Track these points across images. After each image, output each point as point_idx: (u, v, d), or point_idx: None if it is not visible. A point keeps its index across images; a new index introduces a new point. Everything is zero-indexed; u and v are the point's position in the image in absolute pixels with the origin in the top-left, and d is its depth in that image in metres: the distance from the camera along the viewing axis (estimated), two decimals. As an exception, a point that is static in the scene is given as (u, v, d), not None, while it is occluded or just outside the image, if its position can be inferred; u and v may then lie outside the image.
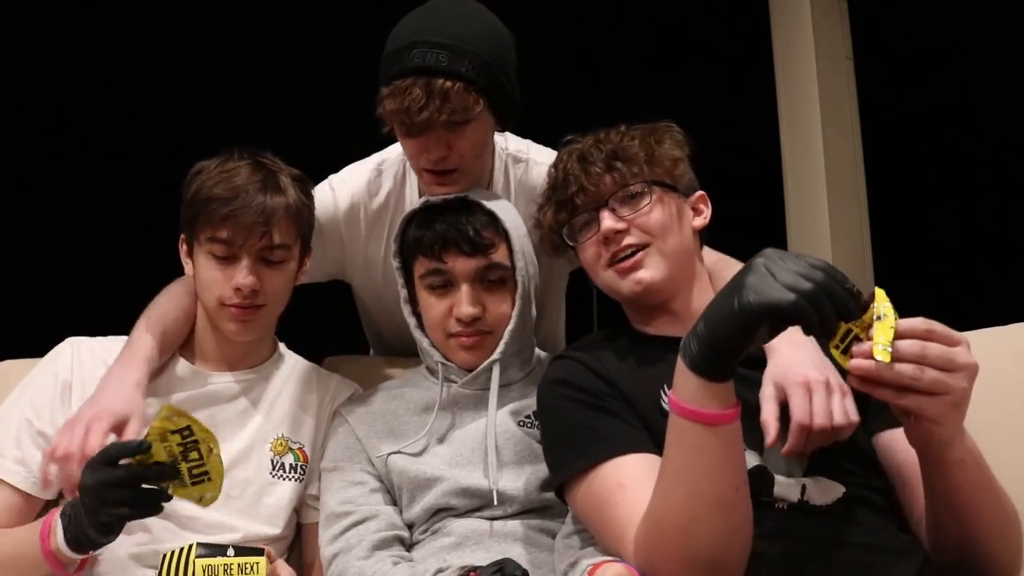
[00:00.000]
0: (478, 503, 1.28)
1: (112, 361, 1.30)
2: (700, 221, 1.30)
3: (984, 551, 0.98)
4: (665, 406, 0.97)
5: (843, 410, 1.04)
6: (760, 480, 1.05)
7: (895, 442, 1.11)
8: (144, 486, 1.04)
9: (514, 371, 1.40)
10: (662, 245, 1.22)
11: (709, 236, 1.35)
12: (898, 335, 0.84)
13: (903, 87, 3.39)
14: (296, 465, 1.39)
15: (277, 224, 1.30)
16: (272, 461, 1.37)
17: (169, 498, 1.06)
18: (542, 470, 1.27)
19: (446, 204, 1.36)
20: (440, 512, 1.30)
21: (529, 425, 1.34)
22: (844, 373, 0.92)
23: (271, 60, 3.31)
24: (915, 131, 3.33)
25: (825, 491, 1.07)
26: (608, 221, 1.22)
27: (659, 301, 1.24)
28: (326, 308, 1.99)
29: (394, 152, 1.54)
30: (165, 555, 1.02)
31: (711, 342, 0.89)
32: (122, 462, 1.04)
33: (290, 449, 1.39)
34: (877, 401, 0.94)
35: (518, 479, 1.29)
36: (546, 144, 1.57)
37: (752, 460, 1.07)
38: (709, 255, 1.35)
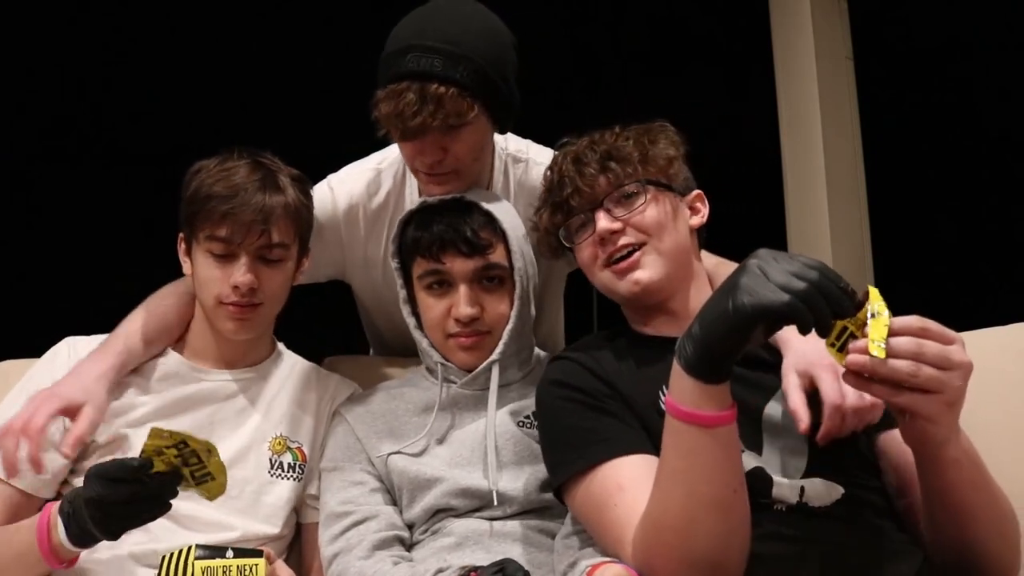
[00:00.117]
0: (478, 503, 1.28)
1: None
2: (697, 220, 1.30)
3: (981, 550, 0.98)
4: (664, 407, 0.97)
5: None
6: (759, 481, 1.05)
7: (894, 443, 1.11)
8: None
9: (513, 371, 1.40)
10: (658, 244, 1.22)
11: (708, 236, 1.34)
12: (893, 332, 0.84)
13: (903, 87, 3.39)
14: (295, 464, 1.39)
15: (276, 223, 1.31)
16: (271, 460, 1.37)
17: (176, 494, 1.07)
18: (542, 470, 1.27)
19: (443, 205, 1.36)
20: (440, 512, 1.30)
21: (529, 425, 1.34)
22: None
23: (271, 60, 3.30)
24: (915, 131, 3.33)
25: (824, 492, 1.06)
26: (603, 221, 1.22)
27: (657, 301, 1.24)
28: (326, 308, 1.99)
29: (393, 152, 1.54)
30: (164, 556, 1.02)
31: (706, 344, 0.89)
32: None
33: (288, 448, 1.39)
34: (877, 402, 0.94)
35: (518, 480, 1.29)
36: (546, 144, 1.57)
37: (751, 462, 1.07)
38: (708, 258, 1.35)
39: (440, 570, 1.19)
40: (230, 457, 1.32)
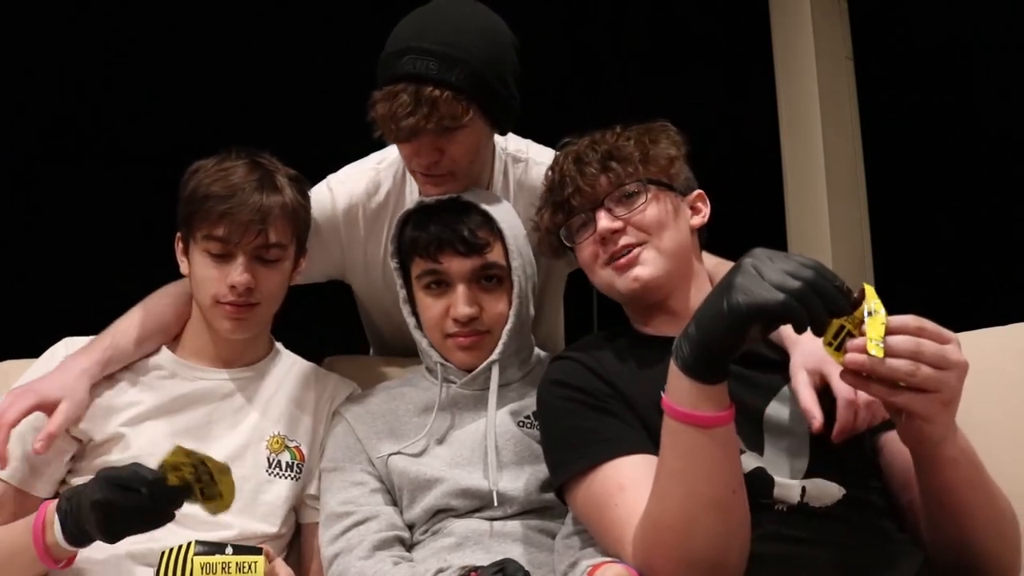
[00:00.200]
0: (478, 504, 1.28)
1: None
2: (698, 220, 1.30)
3: (981, 550, 0.98)
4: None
5: None
6: (760, 482, 1.05)
7: (895, 443, 1.11)
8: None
9: (513, 371, 1.40)
10: (659, 242, 1.22)
11: (709, 236, 1.34)
12: (889, 331, 0.85)
13: (903, 87, 3.38)
14: (293, 463, 1.39)
15: (273, 223, 1.31)
16: (268, 459, 1.37)
17: (181, 507, 1.08)
18: (542, 471, 1.27)
19: (441, 205, 1.36)
20: (440, 513, 1.30)
21: (529, 425, 1.34)
22: None
23: (271, 60, 3.30)
24: (915, 131, 3.32)
25: (825, 493, 1.06)
26: (604, 221, 1.22)
27: (657, 299, 1.24)
28: (326, 308, 1.99)
29: (393, 151, 1.54)
30: (163, 552, 1.02)
31: (703, 344, 0.89)
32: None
33: (286, 447, 1.40)
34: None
35: (518, 480, 1.29)
36: (547, 144, 1.57)
37: (752, 462, 1.07)
38: (708, 259, 1.35)
39: (440, 570, 1.19)
40: (228, 455, 1.33)
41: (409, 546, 1.30)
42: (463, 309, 1.32)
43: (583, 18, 3.79)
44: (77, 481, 1.30)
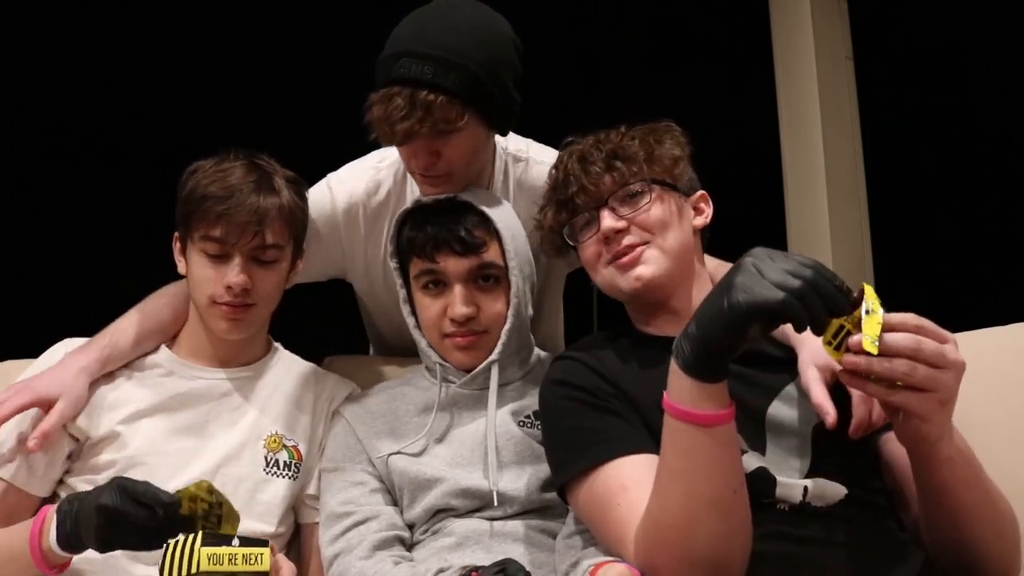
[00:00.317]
0: (478, 503, 1.28)
1: None
2: (701, 220, 1.30)
3: (980, 551, 0.99)
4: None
5: None
6: (762, 481, 1.05)
7: (894, 444, 1.11)
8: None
9: (513, 370, 1.41)
10: (662, 242, 1.22)
11: (710, 236, 1.35)
12: (888, 329, 0.85)
13: (903, 87, 3.38)
14: (291, 463, 1.39)
15: (270, 224, 1.32)
16: (266, 458, 1.38)
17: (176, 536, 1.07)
18: (542, 470, 1.27)
19: (438, 204, 1.37)
20: (440, 512, 1.30)
21: (529, 425, 1.35)
22: None
23: (271, 60, 3.30)
24: (915, 131, 3.32)
25: (827, 492, 1.07)
26: (608, 220, 1.22)
27: (659, 299, 1.24)
28: (326, 308, 1.99)
29: (394, 150, 1.54)
30: (169, 543, 1.02)
31: (703, 343, 0.89)
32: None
33: (284, 447, 1.40)
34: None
35: (518, 480, 1.29)
36: (547, 144, 1.57)
37: (754, 462, 1.07)
38: (709, 261, 1.36)
39: (441, 570, 1.20)
40: (225, 454, 1.34)
41: (409, 546, 1.30)
42: (460, 309, 1.32)
43: (583, 18, 3.78)
44: (74, 480, 1.30)
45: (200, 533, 1.02)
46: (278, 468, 1.38)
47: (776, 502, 1.06)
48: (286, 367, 1.49)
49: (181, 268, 1.39)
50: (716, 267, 1.35)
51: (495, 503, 1.27)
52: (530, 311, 1.42)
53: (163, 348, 1.41)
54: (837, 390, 1.07)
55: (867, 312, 0.85)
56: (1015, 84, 2.98)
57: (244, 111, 3.07)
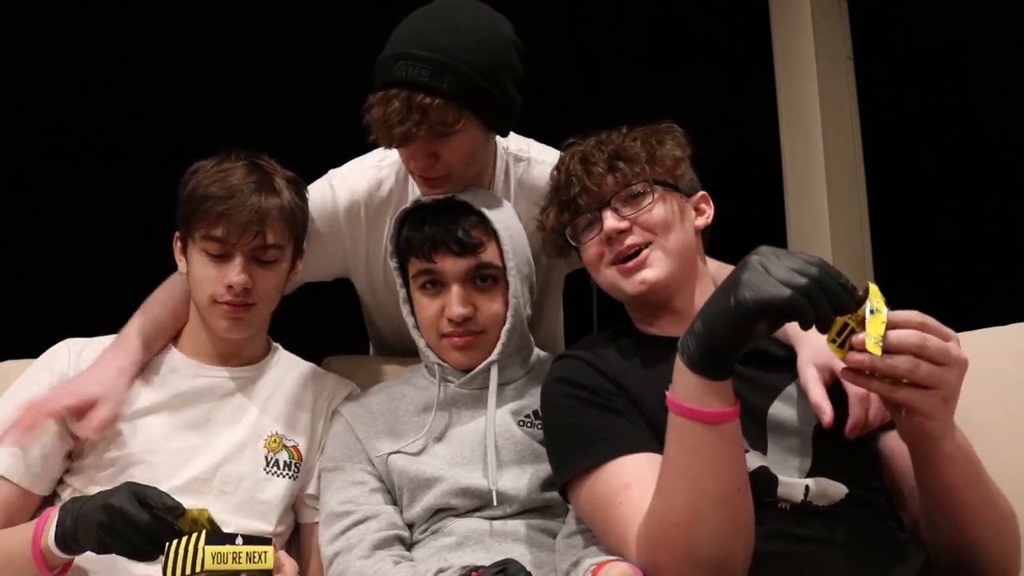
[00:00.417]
0: (478, 503, 1.28)
1: None
2: (702, 221, 1.31)
3: (980, 550, 0.99)
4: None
5: None
6: (764, 480, 1.05)
7: (895, 443, 1.11)
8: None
9: (513, 369, 1.40)
10: (664, 243, 1.22)
11: (710, 236, 1.35)
12: (893, 326, 0.85)
13: (903, 87, 3.38)
14: (290, 463, 1.40)
15: (271, 224, 1.32)
16: (266, 458, 1.38)
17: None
18: (542, 470, 1.27)
19: (437, 204, 1.37)
20: (440, 512, 1.30)
21: (529, 425, 1.34)
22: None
23: (271, 60, 3.30)
24: (915, 131, 3.32)
25: (828, 492, 1.07)
26: (611, 221, 1.22)
27: (662, 300, 1.24)
28: (326, 308, 1.99)
29: (395, 149, 1.54)
30: (172, 542, 1.02)
31: (709, 340, 0.89)
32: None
33: (284, 446, 1.40)
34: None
35: (518, 479, 1.29)
36: (548, 144, 1.57)
37: (756, 461, 1.07)
38: (709, 263, 1.35)
39: (441, 570, 1.19)
40: (225, 454, 1.34)
41: (409, 545, 1.30)
42: (457, 309, 1.32)
43: (583, 18, 3.79)
44: (74, 479, 1.30)
45: (204, 531, 1.02)
46: (278, 468, 1.38)
47: (777, 501, 1.06)
48: (286, 367, 1.49)
49: (182, 268, 1.39)
50: (716, 268, 1.35)
51: (494, 502, 1.27)
52: (528, 311, 1.42)
53: (172, 347, 1.42)
54: (836, 390, 1.07)
55: (872, 312, 0.85)
56: (1015, 84, 2.99)
57: (244, 111, 3.07)
